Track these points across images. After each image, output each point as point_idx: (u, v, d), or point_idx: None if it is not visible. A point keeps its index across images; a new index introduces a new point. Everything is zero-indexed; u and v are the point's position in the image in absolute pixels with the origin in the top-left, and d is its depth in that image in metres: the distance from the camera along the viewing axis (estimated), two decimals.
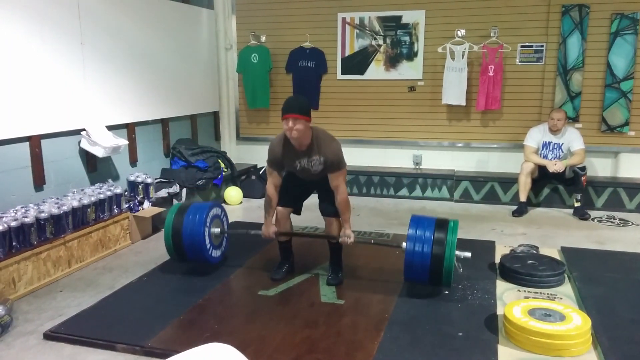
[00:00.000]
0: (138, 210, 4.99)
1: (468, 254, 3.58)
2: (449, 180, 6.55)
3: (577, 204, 5.81)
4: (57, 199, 4.33)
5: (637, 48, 5.98)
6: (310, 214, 4.26)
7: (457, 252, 3.49)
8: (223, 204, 6.35)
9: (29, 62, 4.30)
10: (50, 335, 3.18)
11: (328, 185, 3.71)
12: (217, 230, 4.08)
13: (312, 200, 3.99)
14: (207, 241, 3.95)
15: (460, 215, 5.95)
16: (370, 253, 4.59)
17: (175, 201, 5.60)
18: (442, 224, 3.55)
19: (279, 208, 3.89)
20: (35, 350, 3.05)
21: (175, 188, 5.62)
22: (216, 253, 4.11)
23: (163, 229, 4.05)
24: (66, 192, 4.60)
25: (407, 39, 6.70)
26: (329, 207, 3.79)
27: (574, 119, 6.25)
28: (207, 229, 3.94)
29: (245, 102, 7.29)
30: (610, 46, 6.05)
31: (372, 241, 4.03)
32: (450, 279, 3.53)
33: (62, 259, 4.14)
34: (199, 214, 3.93)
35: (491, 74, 6.30)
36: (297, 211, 4.01)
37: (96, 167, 5.08)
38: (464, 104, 6.45)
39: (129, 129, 5.55)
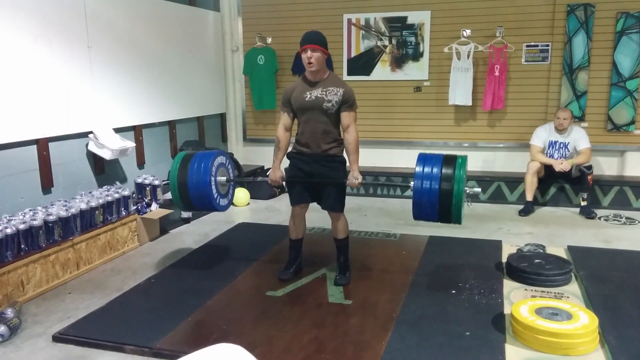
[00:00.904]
0: (146, 212, 5.01)
1: (478, 190, 3.56)
2: None
3: (583, 203, 5.80)
4: (65, 201, 4.36)
5: None
6: (317, 215, 4.27)
7: (466, 188, 3.44)
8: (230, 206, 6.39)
9: (36, 66, 4.34)
10: (59, 337, 3.20)
11: (332, 176, 3.72)
12: (223, 178, 4.02)
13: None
14: (214, 190, 3.90)
15: (467, 215, 5.88)
16: (378, 253, 4.60)
17: None
18: (449, 160, 3.49)
19: (294, 207, 3.90)
20: (44, 352, 3.07)
21: None
22: (223, 201, 4.06)
23: (169, 181, 3.97)
24: (74, 194, 4.63)
25: (412, 39, 6.71)
26: (333, 203, 3.78)
27: (580, 118, 6.23)
28: (213, 178, 3.87)
29: (252, 103, 7.32)
30: (615, 45, 6.04)
31: (380, 182, 3.95)
32: (460, 216, 3.47)
33: (70, 262, 4.17)
34: (204, 163, 3.86)
35: (497, 73, 6.30)
36: (315, 199, 3.88)
37: (104, 170, 5.11)
38: (470, 104, 6.44)
39: (136, 131, 5.58)
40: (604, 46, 6.10)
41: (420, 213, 3.54)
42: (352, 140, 3.68)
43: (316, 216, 4.26)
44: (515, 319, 3.05)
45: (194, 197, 3.87)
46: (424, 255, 4.51)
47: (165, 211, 5.15)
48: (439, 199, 3.41)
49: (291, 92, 3.75)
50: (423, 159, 3.54)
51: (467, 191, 3.48)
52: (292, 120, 3.82)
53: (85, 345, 3.12)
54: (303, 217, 3.98)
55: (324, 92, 3.64)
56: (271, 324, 3.30)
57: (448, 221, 3.53)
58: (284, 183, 3.93)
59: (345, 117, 3.67)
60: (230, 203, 4.20)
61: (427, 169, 3.46)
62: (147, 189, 5.15)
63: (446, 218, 3.50)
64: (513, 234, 5.20)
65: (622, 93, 6.09)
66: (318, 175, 3.77)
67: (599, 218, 5.68)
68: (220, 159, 4.03)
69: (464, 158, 3.52)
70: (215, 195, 3.92)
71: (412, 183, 3.51)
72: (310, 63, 3.58)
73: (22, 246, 3.80)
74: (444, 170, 3.42)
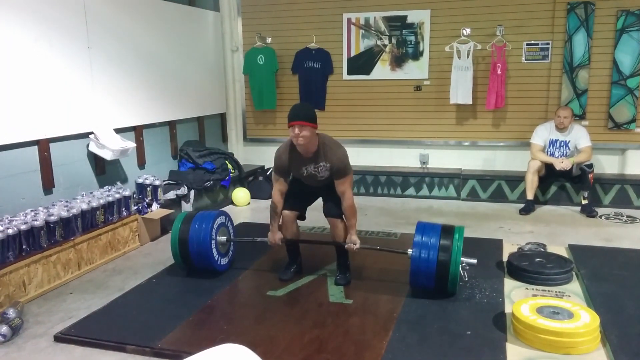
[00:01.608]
0: (147, 213, 5.02)
1: (473, 261, 3.59)
2: (455, 179, 6.55)
3: (584, 202, 5.80)
4: (67, 202, 4.36)
5: None
6: (317, 215, 4.27)
7: (462, 259, 3.51)
8: (231, 205, 6.40)
9: (36, 66, 4.34)
10: (61, 338, 3.20)
11: (333, 188, 3.73)
12: (223, 238, 4.11)
13: (319, 200, 4.01)
14: (214, 250, 3.98)
15: (468, 213, 5.94)
16: (378, 252, 4.59)
17: (183, 203, 5.64)
18: (447, 231, 3.57)
19: (285, 212, 3.91)
20: (45, 353, 3.08)
21: (183, 190, 5.65)
22: (223, 261, 4.14)
23: (170, 232, 4.09)
24: (75, 195, 4.63)
25: (412, 38, 6.71)
26: (333, 209, 3.81)
27: (581, 117, 6.23)
28: (213, 239, 3.97)
29: (252, 103, 7.32)
30: (616, 43, 6.03)
31: (378, 247, 4.05)
32: (455, 286, 3.55)
33: (71, 262, 4.17)
34: (205, 223, 3.95)
35: (499, 72, 6.30)
36: (302, 216, 4.02)
37: (105, 170, 5.12)
38: (470, 102, 6.44)
39: (137, 131, 5.58)
40: (605, 44, 6.09)
41: (418, 281, 3.61)
42: (348, 206, 3.71)
43: (316, 216, 4.26)
44: (516, 318, 3.05)
45: (194, 256, 3.98)
46: None
47: (166, 211, 5.15)
48: (436, 270, 3.48)
49: (286, 162, 3.74)
50: (422, 228, 3.62)
51: (463, 263, 3.55)
52: (287, 185, 3.86)
53: (86, 345, 3.13)
54: (294, 221, 3.97)
55: (316, 169, 3.68)
56: (272, 324, 3.30)
57: (444, 291, 3.59)
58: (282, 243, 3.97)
59: (339, 185, 3.70)
60: (230, 263, 4.27)
61: (425, 239, 3.54)
62: (148, 189, 5.15)
63: (442, 287, 3.56)
64: (514, 232, 5.20)
65: (622, 91, 6.09)
66: (318, 190, 3.87)
67: (600, 216, 5.68)
68: (221, 219, 4.12)
69: (461, 229, 3.60)
70: (216, 256, 4.02)
71: (409, 251, 3.57)
72: (298, 140, 3.51)
73: (24, 246, 3.81)
74: (441, 242, 3.50)
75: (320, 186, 3.82)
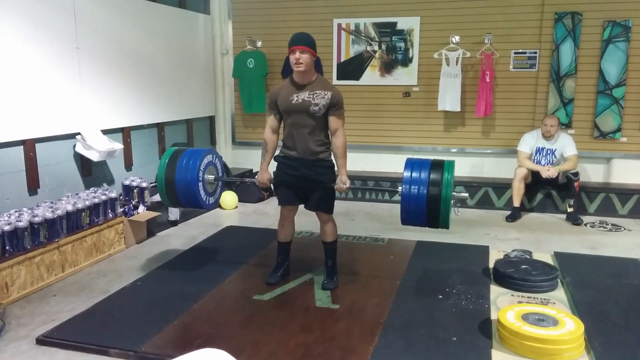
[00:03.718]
0: (133, 215, 4.98)
1: (465, 194, 3.57)
2: None
3: (570, 210, 5.84)
4: (52, 203, 4.32)
5: (629, 55, 6.03)
6: (305, 219, 4.27)
7: (454, 193, 3.45)
8: (218, 209, 6.37)
9: (24, 66, 4.30)
10: (43, 340, 3.16)
11: (319, 178, 3.71)
12: (211, 177, 4.00)
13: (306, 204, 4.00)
14: (202, 189, 3.88)
15: (455, 220, 5.91)
16: (366, 257, 4.61)
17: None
18: (437, 165, 3.50)
19: (283, 208, 3.88)
20: (27, 355, 3.04)
21: None
22: (210, 199, 4.05)
23: (157, 170, 3.95)
24: (60, 196, 4.58)
25: (402, 45, 6.74)
26: (320, 203, 3.77)
27: (567, 125, 6.29)
28: (201, 176, 3.85)
29: (241, 106, 7.31)
30: (602, 53, 6.10)
31: (370, 184, 3.95)
32: (447, 221, 3.48)
33: (55, 264, 4.13)
34: (193, 160, 3.83)
35: (488, 80, 6.34)
36: (303, 201, 3.85)
37: (91, 171, 5.07)
38: (458, 109, 6.48)
39: (125, 133, 5.55)
40: (591, 54, 6.16)
41: (408, 218, 3.54)
42: (340, 144, 3.67)
43: (304, 220, 4.26)
44: (501, 325, 3.06)
45: (180, 193, 3.86)
46: (411, 260, 4.51)
47: (153, 214, 5.12)
48: (427, 204, 3.41)
49: (277, 93, 3.73)
50: (411, 164, 3.55)
51: (455, 196, 3.49)
52: (280, 122, 3.81)
53: (69, 349, 3.09)
54: (292, 220, 3.97)
55: (312, 96, 3.61)
56: (258, 328, 3.29)
57: (436, 226, 3.54)
58: (272, 185, 3.91)
59: (333, 121, 3.66)
60: (217, 202, 4.19)
61: (415, 174, 3.46)
62: (135, 191, 5.12)
63: (434, 223, 3.51)
64: (500, 239, 5.23)
65: (608, 101, 6.16)
66: (306, 178, 3.75)
67: (585, 224, 5.72)
68: (210, 158, 4.01)
69: (452, 163, 3.53)
70: (202, 193, 3.90)
71: (400, 188, 3.50)
72: (298, 64, 3.55)
73: (7, 247, 3.76)
74: (431, 175, 3.43)
75: (306, 124, 3.64)
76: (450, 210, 3.46)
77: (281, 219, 3.96)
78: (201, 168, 3.86)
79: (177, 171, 3.82)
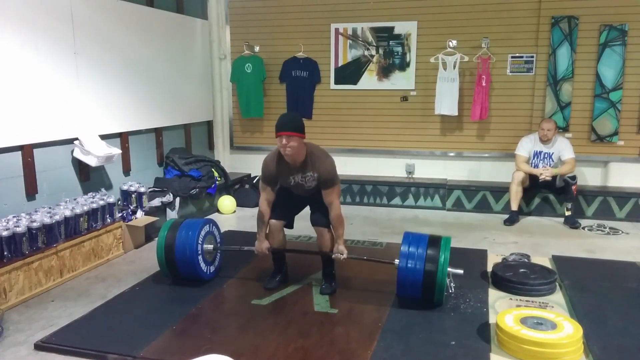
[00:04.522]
0: (131, 220, 4.97)
1: (460, 271, 3.61)
2: (441, 189, 6.58)
3: (567, 213, 5.85)
4: (50, 208, 4.32)
5: (626, 59, 6.06)
6: (303, 223, 4.27)
7: (449, 270, 3.52)
8: (216, 213, 6.38)
9: (22, 71, 4.30)
10: (41, 346, 3.16)
11: (320, 197, 3.72)
12: (210, 247, 4.08)
13: (306, 209, 4.01)
14: (201, 259, 3.96)
15: (453, 224, 5.97)
16: (364, 262, 4.60)
17: (168, 210, 5.59)
18: (434, 241, 3.57)
19: (272, 221, 3.89)
20: None
21: (168, 197, 5.61)
22: (210, 269, 4.11)
23: (156, 240, 4.05)
24: (59, 201, 4.58)
25: (399, 49, 6.76)
26: (320, 218, 3.80)
27: (564, 129, 6.30)
28: (200, 250, 3.94)
29: (239, 111, 7.31)
30: (599, 57, 6.13)
31: (365, 257, 4.05)
32: (442, 296, 3.56)
33: (53, 269, 4.12)
34: (192, 232, 3.93)
35: (484, 84, 6.36)
36: (290, 225, 4.00)
37: (89, 177, 5.07)
38: (456, 114, 6.49)
39: (123, 138, 5.55)
40: (588, 58, 6.19)
41: (404, 292, 3.61)
42: (335, 216, 3.71)
43: (302, 225, 4.26)
44: (500, 329, 3.07)
45: (180, 265, 3.95)
46: None
47: (151, 218, 5.12)
48: (422, 280, 3.48)
49: (274, 171, 3.72)
50: (409, 239, 3.62)
51: (450, 272, 3.57)
52: (275, 194, 3.85)
53: (67, 354, 3.08)
54: (281, 230, 3.96)
55: (303, 179, 3.68)
56: (256, 333, 3.28)
57: (430, 301, 3.59)
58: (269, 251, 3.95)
59: (326, 195, 3.69)
60: (217, 272, 4.24)
61: (412, 249, 3.53)
62: (133, 196, 5.12)
63: (429, 298, 3.57)
64: (498, 243, 5.24)
65: (605, 104, 6.18)
66: (306, 200, 3.86)
67: (583, 228, 5.74)
68: (208, 227, 4.11)
69: (448, 239, 3.61)
70: (202, 265, 4.00)
71: (396, 261, 3.57)
72: (285, 151, 3.50)
73: (5, 253, 3.75)
74: (428, 252, 3.51)
75: (307, 195, 3.81)
76: (446, 286, 3.54)
77: (270, 231, 3.92)
78: (199, 241, 3.96)
79: (177, 249, 3.91)
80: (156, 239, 4.08)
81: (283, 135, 3.46)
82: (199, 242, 3.93)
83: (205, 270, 4.02)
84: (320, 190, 3.69)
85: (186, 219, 4.16)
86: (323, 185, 3.65)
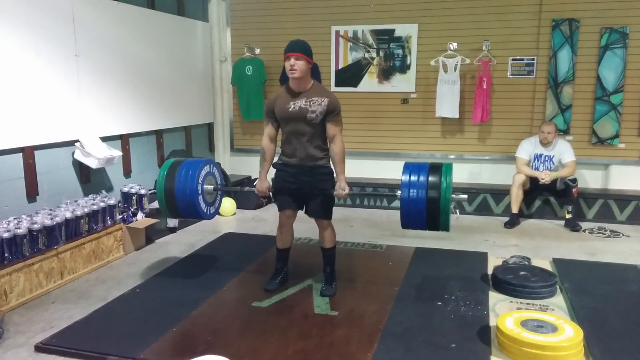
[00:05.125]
0: (131, 222, 4.97)
1: (464, 196, 3.58)
2: None
3: (568, 216, 5.85)
4: (50, 210, 4.32)
5: (627, 62, 6.06)
6: (304, 225, 4.27)
7: (453, 195, 3.45)
8: (217, 215, 6.37)
9: (23, 73, 4.31)
10: (42, 348, 3.15)
11: (317, 184, 3.71)
12: (210, 187, 4.00)
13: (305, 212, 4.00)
14: (201, 200, 3.88)
15: (453, 226, 5.90)
16: (364, 264, 4.61)
17: None
18: (435, 168, 3.50)
19: (282, 216, 3.88)
20: None
21: None
22: (210, 210, 4.04)
23: (156, 182, 3.94)
24: (59, 203, 4.59)
25: (400, 51, 6.76)
26: (318, 210, 3.78)
27: (565, 132, 6.30)
28: (200, 186, 3.85)
29: (240, 113, 7.32)
30: (600, 60, 6.13)
31: (368, 192, 3.94)
32: (448, 223, 3.48)
33: (54, 271, 4.12)
34: (192, 171, 3.83)
35: (485, 86, 6.37)
36: (301, 207, 3.88)
37: (90, 179, 5.07)
38: (457, 116, 6.49)
39: (123, 140, 5.55)
40: (589, 60, 6.19)
41: (408, 222, 3.55)
42: (338, 150, 3.67)
43: (303, 227, 4.26)
44: (500, 331, 3.06)
45: (180, 204, 3.86)
46: (410, 266, 4.51)
47: (151, 220, 5.12)
48: (426, 207, 3.41)
49: (274, 102, 3.72)
50: (409, 168, 3.55)
51: (454, 198, 3.49)
52: (277, 130, 3.81)
53: (68, 356, 3.08)
54: (290, 227, 3.97)
55: (308, 103, 3.61)
56: (256, 335, 3.28)
57: (436, 228, 3.54)
58: (270, 193, 3.92)
59: (331, 127, 3.66)
60: (217, 212, 4.18)
61: (413, 178, 3.47)
62: (134, 198, 5.12)
63: (434, 225, 3.51)
64: (499, 245, 5.23)
65: (606, 107, 6.18)
66: (305, 185, 3.75)
67: (584, 231, 5.73)
68: (208, 168, 4.01)
69: (449, 165, 3.55)
70: (202, 204, 3.90)
71: (399, 192, 3.51)
72: (292, 70, 3.54)
73: (6, 254, 3.75)
74: (430, 178, 3.44)
75: (304, 132, 3.65)
76: (450, 212, 3.46)
77: (280, 226, 3.95)
78: (200, 180, 3.86)
79: (177, 183, 3.82)
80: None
81: (291, 55, 3.52)
82: (199, 182, 3.85)
83: (205, 211, 3.95)
84: (318, 123, 3.62)
85: (186, 159, 4.05)
86: (330, 112, 3.61)
